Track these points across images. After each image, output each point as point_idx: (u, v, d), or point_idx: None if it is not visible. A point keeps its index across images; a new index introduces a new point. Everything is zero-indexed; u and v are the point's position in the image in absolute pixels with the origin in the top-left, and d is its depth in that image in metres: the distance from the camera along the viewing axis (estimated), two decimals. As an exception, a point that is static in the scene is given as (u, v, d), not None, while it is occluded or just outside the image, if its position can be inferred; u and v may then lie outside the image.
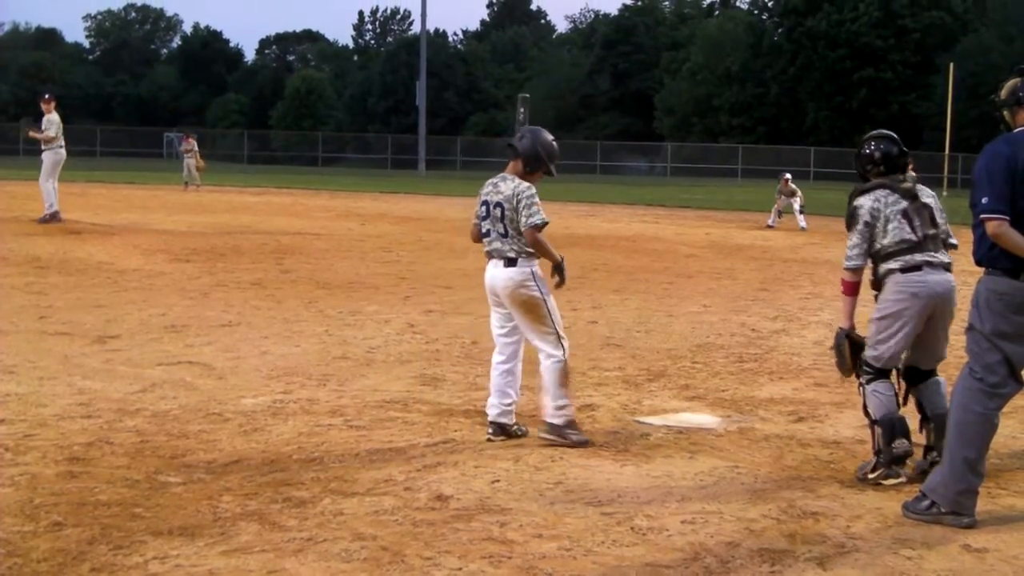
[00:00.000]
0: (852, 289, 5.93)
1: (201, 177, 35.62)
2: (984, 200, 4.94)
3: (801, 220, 25.63)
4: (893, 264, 5.76)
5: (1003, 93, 5.19)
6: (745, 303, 12.83)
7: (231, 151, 72.97)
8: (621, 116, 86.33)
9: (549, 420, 6.22)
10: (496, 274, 6.29)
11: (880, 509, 5.23)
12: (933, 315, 5.77)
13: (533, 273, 6.22)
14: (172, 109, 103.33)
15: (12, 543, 4.46)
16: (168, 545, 4.48)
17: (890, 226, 5.77)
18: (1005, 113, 5.19)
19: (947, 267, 5.88)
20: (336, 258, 16.27)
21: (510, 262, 6.23)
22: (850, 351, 5.92)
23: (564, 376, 6.23)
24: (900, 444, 5.65)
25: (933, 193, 6.04)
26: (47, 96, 19.33)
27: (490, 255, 6.35)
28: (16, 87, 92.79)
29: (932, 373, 5.91)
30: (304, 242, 18.41)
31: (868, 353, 5.82)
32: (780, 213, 26.50)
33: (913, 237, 5.77)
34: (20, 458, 5.66)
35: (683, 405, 7.48)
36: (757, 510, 5.14)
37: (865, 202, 5.87)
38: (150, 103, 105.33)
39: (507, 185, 6.31)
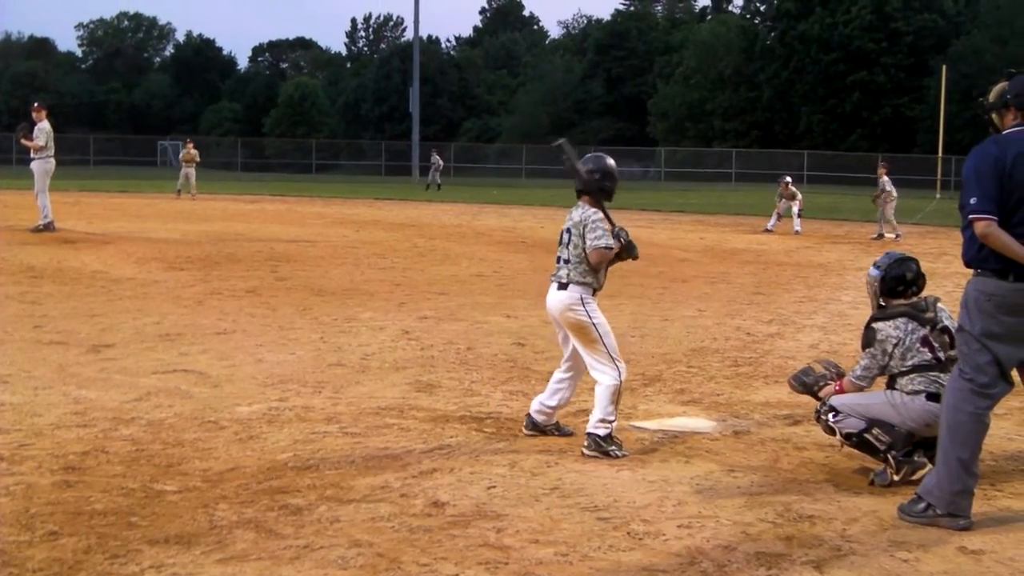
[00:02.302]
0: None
1: (196, 185, 35.54)
2: (973, 200, 4.95)
3: (797, 224, 25.66)
4: (918, 385, 5.78)
5: (991, 96, 5.22)
6: (740, 307, 12.85)
7: (225, 159, 72.93)
8: (615, 121, 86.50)
9: (591, 431, 6.24)
10: (549, 297, 6.50)
11: (876, 512, 5.24)
12: None
13: (582, 298, 6.34)
14: (165, 117, 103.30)
15: (8, 553, 4.45)
16: (164, 554, 4.48)
17: (909, 354, 5.81)
18: (993, 116, 5.22)
19: None
20: (331, 265, 16.27)
21: (562, 286, 6.40)
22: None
23: (615, 396, 6.28)
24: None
25: (949, 314, 6.05)
26: (37, 105, 19.37)
27: (551, 278, 6.52)
28: (9, 96, 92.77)
29: None
30: (299, 249, 18.40)
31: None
32: (780, 216, 26.57)
33: (934, 360, 5.82)
34: (15, 468, 5.65)
35: (679, 409, 7.48)
36: (753, 514, 5.15)
37: (887, 329, 5.89)
38: (143, 111, 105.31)
39: (578, 212, 6.50)
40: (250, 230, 22.28)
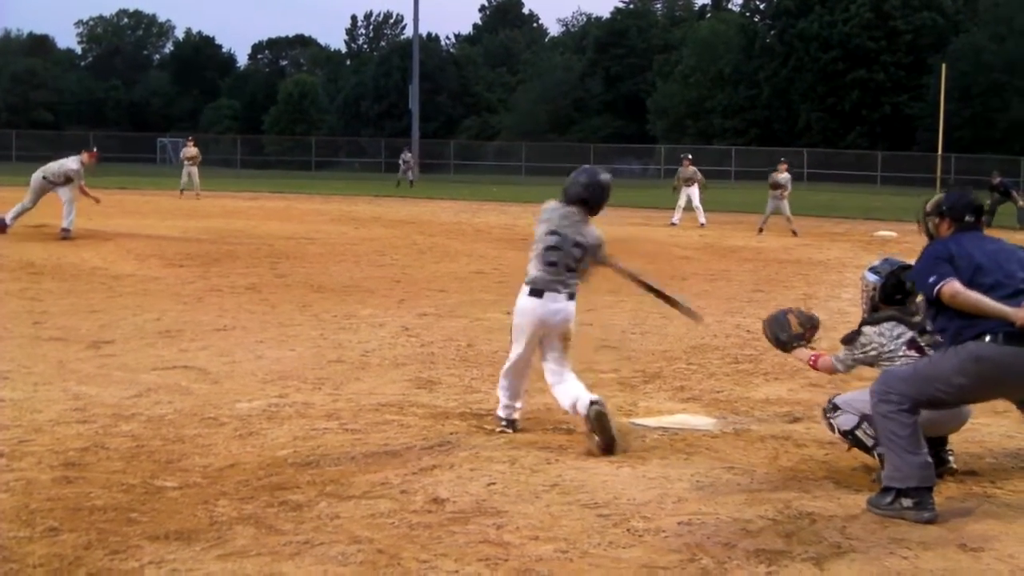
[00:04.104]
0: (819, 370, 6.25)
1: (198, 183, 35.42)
2: (931, 279, 5.06)
3: (702, 216, 26.03)
4: None
5: (928, 205, 5.47)
6: (740, 304, 12.85)
7: (224, 156, 72.76)
8: (614, 119, 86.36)
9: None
10: (556, 306, 6.48)
11: (876, 509, 5.23)
12: None
13: None
14: (165, 114, 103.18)
15: (8, 549, 4.45)
16: (164, 550, 4.48)
17: (896, 356, 5.76)
18: (929, 224, 5.44)
19: None
20: (330, 262, 16.27)
21: (571, 296, 6.56)
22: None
23: None
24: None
25: None
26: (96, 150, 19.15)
27: (548, 286, 6.45)
28: (8, 93, 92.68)
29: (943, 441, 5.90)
30: (298, 246, 18.40)
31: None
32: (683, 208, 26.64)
33: None
34: (15, 464, 5.65)
35: (679, 407, 7.49)
36: (753, 511, 5.15)
37: (872, 335, 5.86)
38: (143, 108, 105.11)
39: (589, 230, 6.56)
40: (250, 227, 22.25)
